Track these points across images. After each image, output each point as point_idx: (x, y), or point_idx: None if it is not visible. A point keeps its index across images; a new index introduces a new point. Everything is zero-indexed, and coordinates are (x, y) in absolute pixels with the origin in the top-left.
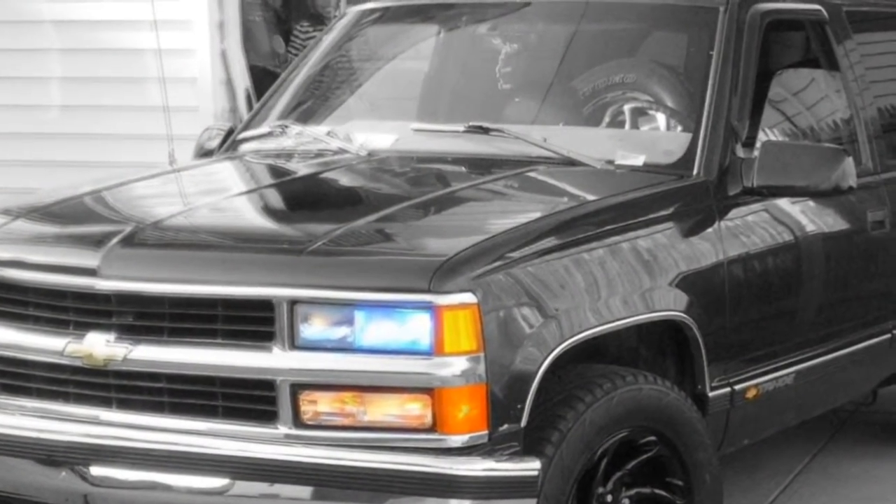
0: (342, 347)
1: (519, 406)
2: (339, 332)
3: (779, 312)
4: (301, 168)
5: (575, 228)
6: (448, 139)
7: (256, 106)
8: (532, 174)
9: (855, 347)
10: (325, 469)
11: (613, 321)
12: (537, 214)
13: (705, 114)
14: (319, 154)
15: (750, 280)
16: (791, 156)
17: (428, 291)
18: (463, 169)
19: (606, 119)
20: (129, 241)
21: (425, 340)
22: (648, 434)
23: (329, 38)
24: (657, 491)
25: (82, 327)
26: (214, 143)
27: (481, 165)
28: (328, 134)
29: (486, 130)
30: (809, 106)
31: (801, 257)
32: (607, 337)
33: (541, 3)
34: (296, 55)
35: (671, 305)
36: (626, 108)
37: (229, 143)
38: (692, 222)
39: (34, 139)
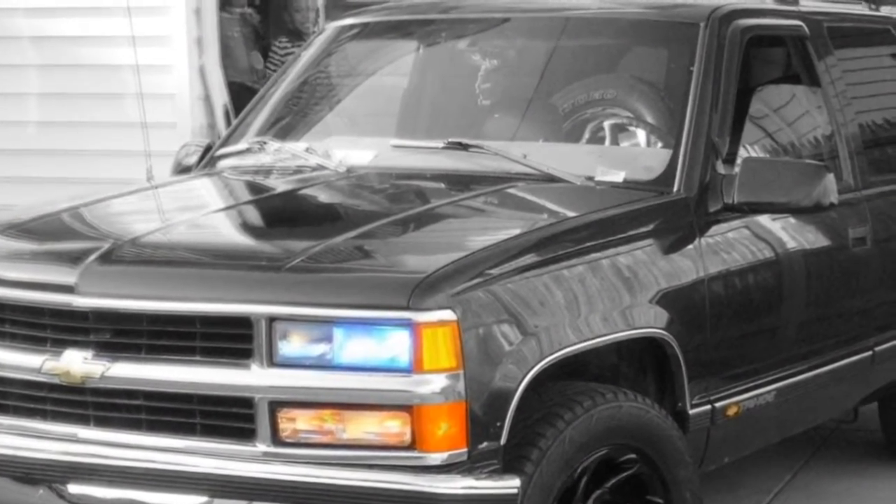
0: (321, 365)
1: (498, 424)
2: (318, 349)
3: (760, 329)
4: (279, 184)
5: (555, 245)
6: (427, 155)
7: (235, 122)
8: (512, 191)
9: (836, 365)
10: (304, 487)
11: (593, 338)
12: (517, 231)
13: (686, 130)
14: (298, 170)
15: (730, 297)
16: (772, 172)
17: (407, 308)
18: (442, 185)
19: (586, 135)
20: (107, 257)
21: (404, 358)
22: (629, 452)
23: (308, 54)
24: None
25: (60, 344)
26: (192, 160)
27: (461, 182)
28: (307, 150)
29: (465, 147)
30: (790, 122)
31: (781, 274)
32: (587, 354)
33: (520, 18)
34: (274, 71)
35: (651, 322)
36: (606, 124)
37: (207, 159)
38: (672, 239)
39: (11, 155)
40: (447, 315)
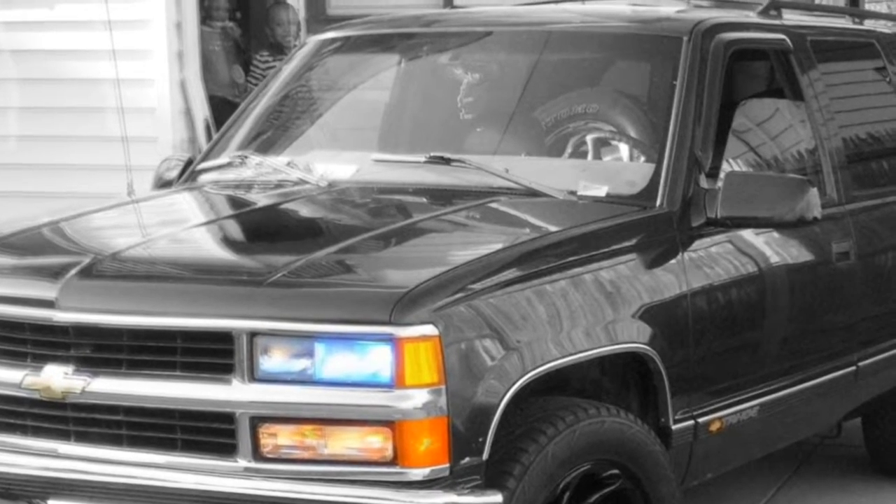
0: (302, 380)
1: (481, 439)
2: (299, 364)
3: (743, 344)
4: (261, 199)
5: (537, 260)
6: (409, 170)
7: (216, 136)
8: (494, 205)
9: (819, 380)
10: (285, 502)
11: (576, 353)
12: (499, 246)
13: (669, 144)
14: (279, 185)
15: (714, 312)
16: (755, 187)
17: (388, 323)
18: (424, 200)
19: (569, 149)
20: (88, 272)
21: (386, 373)
22: (611, 467)
23: (289, 68)
24: None
25: (40, 359)
26: (173, 174)
27: (443, 196)
28: (288, 164)
29: (447, 161)
30: (774, 136)
31: (765, 289)
32: (570, 369)
33: (503, 32)
34: (255, 85)
35: (634, 337)
36: (589, 138)
37: (188, 173)
38: (655, 253)
39: None
40: (429, 330)
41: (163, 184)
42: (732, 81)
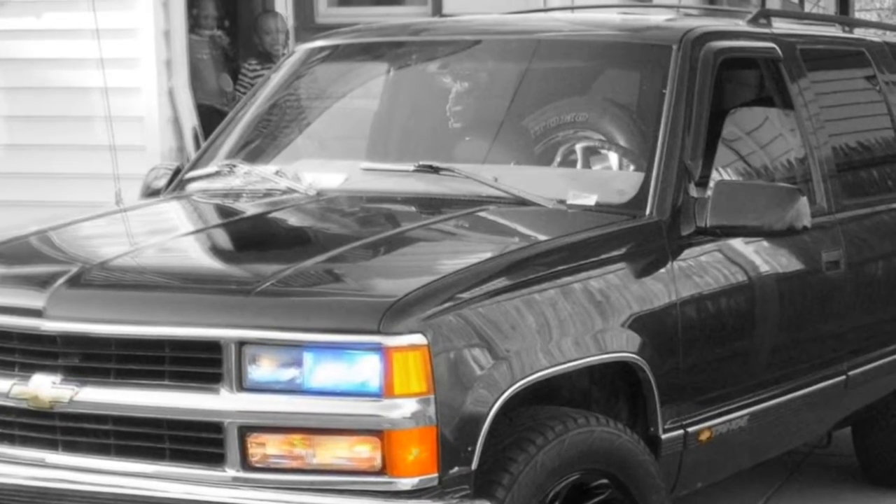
0: (290, 389)
1: (470, 448)
2: (288, 373)
3: (732, 354)
4: (249, 208)
5: (526, 269)
6: (398, 179)
7: (204, 145)
8: (483, 214)
9: (809, 389)
10: None
11: (565, 363)
12: (488, 255)
13: (658, 153)
14: (268, 194)
15: (703, 321)
16: (745, 195)
17: (377, 333)
18: (413, 209)
19: (558, 158)
20: (76, 281)
21: (375, 382)
22: (601, 477)
23: (277, 77)
24: None
25: (28, 369)
26: (161, 183)
27: (431, 205)
28: (276, 173)
29: (436, 170)
30: (763, 145)
31: (754, 298)
32: (559, 378)
33: (491, 40)
34: (244, 93)
35: (623, 347)
36: (578, 147)
37: (176, 182)
38: (645, 263)
39: None
40: (418, 339)
41: (151, 193)
42: (722, 90)
